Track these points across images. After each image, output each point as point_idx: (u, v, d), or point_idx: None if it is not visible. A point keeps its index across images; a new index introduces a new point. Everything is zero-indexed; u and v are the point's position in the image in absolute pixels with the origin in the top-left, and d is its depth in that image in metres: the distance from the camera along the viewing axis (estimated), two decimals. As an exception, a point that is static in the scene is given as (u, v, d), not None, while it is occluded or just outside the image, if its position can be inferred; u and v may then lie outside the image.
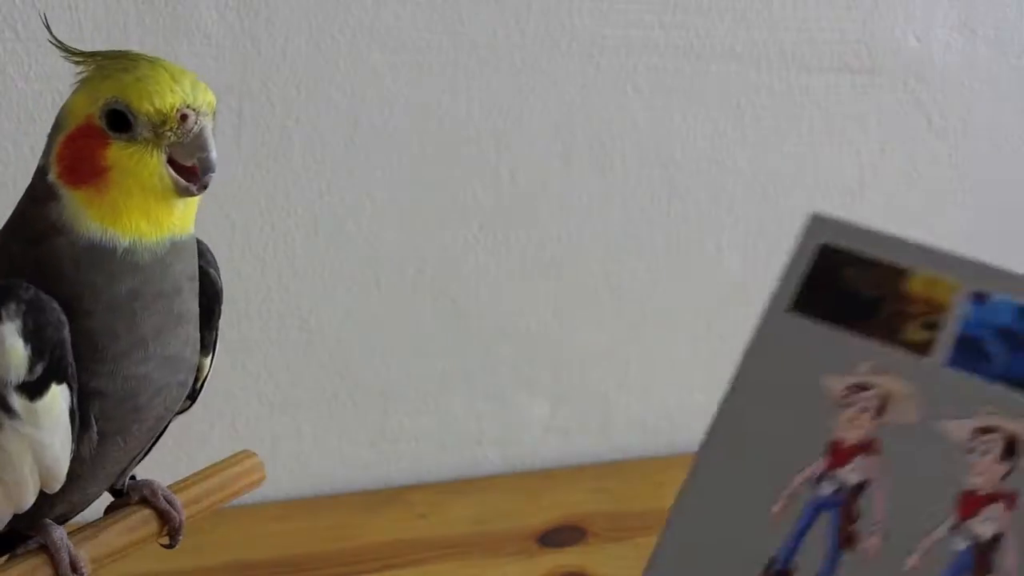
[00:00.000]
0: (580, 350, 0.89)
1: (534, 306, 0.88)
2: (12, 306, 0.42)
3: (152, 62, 0.44)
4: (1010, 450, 0.34)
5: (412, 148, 0.81)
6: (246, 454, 0.54)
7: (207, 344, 0.49)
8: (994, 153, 0.98)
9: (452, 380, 0.87)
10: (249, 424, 0.82)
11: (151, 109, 0.43)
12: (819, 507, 0.34)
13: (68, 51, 0.45)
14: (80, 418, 0.44)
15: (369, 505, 0.83)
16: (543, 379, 0.89)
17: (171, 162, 0.43)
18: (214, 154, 0.44)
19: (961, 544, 0.33)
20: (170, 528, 0.50)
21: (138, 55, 0.45)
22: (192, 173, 0.44)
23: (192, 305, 0.47)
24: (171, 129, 0.43)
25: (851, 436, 0.35)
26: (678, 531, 0.34)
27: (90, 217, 0.43)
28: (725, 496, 0.34)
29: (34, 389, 0.42)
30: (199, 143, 0.43)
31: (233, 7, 0.75)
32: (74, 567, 0.46)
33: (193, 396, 0.51)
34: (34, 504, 0.45)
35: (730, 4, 0.86)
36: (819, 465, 0.35)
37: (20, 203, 0.45)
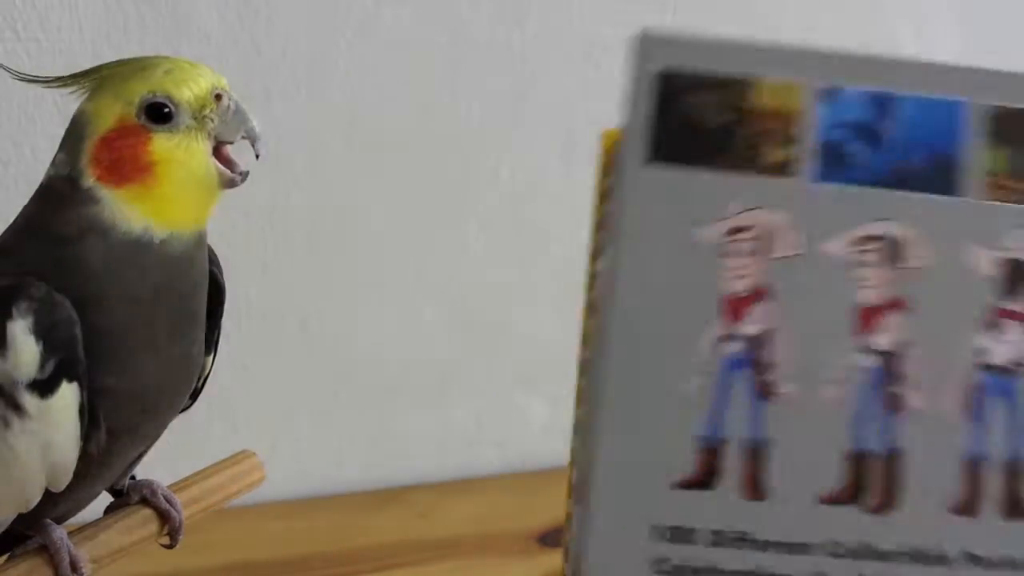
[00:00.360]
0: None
1: (534, 306, 0.88)
2: (23, 304, 0.42)
3: (165, 58, 0.45)
4: (893, 254, 0.33)
5: (412, 148, 0.81)
6: (246, 454, 0.54)
7: (209, 343, 0.49)
8: None
9: (452, 380, 0.87)
10: (249, 424, 0.82)
11: (191, 95, 0.44)
12: (731, 369, 0.33)
13: (71, 78, 0.45)
14: (89, 416, 0.44)
15: (369, 505, 0.83)
16: (543, 379, 0.88)
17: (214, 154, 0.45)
18: (257, 124, 0.46)
19: (868, 360, 0.33)
20: (170, 528, 0.50)
21: (144, 57, 0.45)
22: (231, 163, 0.45)
23: (203, 304, 0.47)
24: (211, 111, 0.44)
25: (741, 286, 0.33)
26: (607, 437, 0.33)
27: (134, 213, 0.43)
28: (639, 390, 0.33)
29: (45, 387, 0.42)
30: (240, 117, 0.45)
31: (233, 7, 0.75)
32: (74, 567, 0.46)
33: (195, 395, 0.51)
34: (36, 504, 0.45)
35: (730, 4, 0.86)
36: (719, 326, 0.33)
37: (36, 210, 0.45)
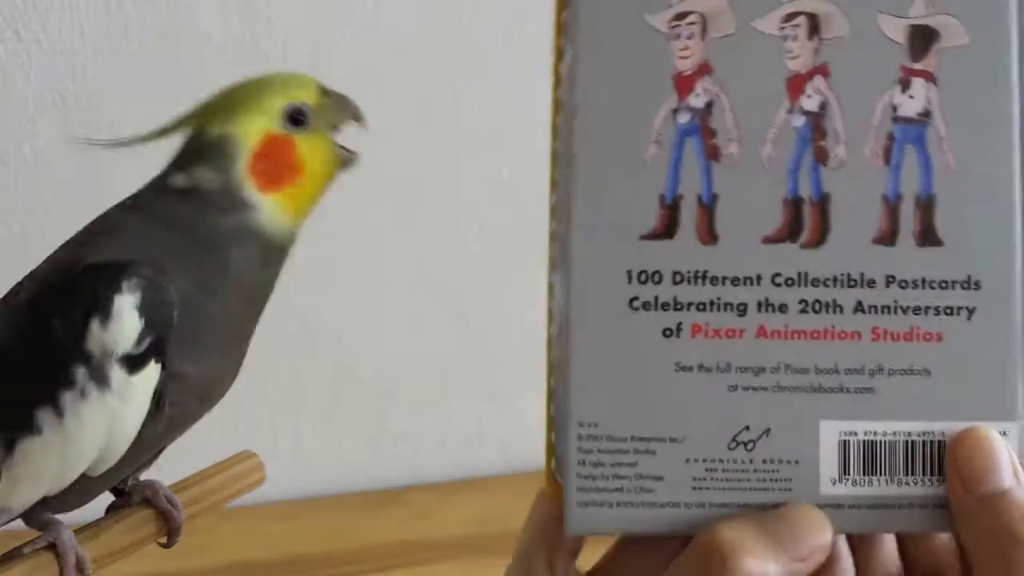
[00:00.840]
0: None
1: (534, 306, 0.88)
2: (133, 280, 0.44)
3: (273, 73, 0.50)
4: (815, 27, 0.38)
5: (412, 148, 0.81)
6: (246, 454, 0.54)
7: None
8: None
9: (452, 380, 0.87)
10: (249, 424, 0.82)
11: (313, 96, 0.49)
12: (683, 136, 0.38)
13: (172, 127, 0.48)
14: (156, 400, 0.45)
15: (369, 505, 0.83)
16: (543, 379, 0.88)
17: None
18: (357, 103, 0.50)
19: (799, 120, 0.38)
20: (170, 529, 0.50)
21: (250, 79, 0.50)
22: (344, 147, 0.49)
23: (264, 307, 0.49)
24: (326, 105, 0.49)
25: (687, 65, 0.38)
26: (582, 201, 0.40)
27: (286, 214, 0.47)
28: (606, 161, 0.39)
29: (136, 363, 0.44)
30: (342, 101, 0.50)
31: (233, 8, 0.75)
32: (79, 567, 0.46)
33: None
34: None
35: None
36: (671, 100, 0.38)
37: (177, 210, 0.46)
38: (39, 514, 0.47)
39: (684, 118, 0.38)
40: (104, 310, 0.43)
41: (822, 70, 0.38)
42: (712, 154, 0.38)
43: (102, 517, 0.50)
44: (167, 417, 0.46)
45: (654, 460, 0.38)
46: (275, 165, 0.47)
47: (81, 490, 0.47)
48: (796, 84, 0.38)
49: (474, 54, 0.81)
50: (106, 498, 0.51)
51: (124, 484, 0.51)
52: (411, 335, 0.85)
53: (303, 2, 0.76)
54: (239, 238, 0.46)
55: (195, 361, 0.46)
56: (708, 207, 0.38)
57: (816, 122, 0.38)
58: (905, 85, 0.38)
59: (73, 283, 0.44)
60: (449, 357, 0.86)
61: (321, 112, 0.49)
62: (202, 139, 0.47)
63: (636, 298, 0.38)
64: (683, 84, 0.38)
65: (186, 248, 0.46)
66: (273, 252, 0.47)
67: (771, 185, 0.38)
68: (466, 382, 0.87)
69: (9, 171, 0.72)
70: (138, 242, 0.46)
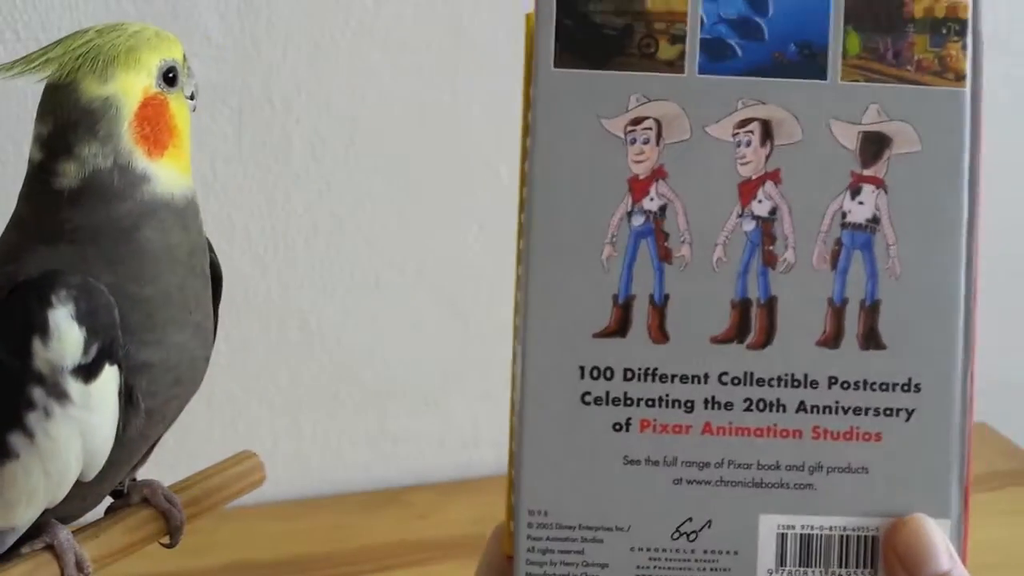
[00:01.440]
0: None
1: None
2: (62, 292, 0.42)
3: (140, 24, 0.46)
4: (767, 133, 0.39)
5: (412, 148, 0.81)
6: (246, 454, 0.54)
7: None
8: (994, 153, 0.98)
9: (452, 380, 0.87)
10: (249, 424, 0.82)
11: (181, 56, 0.47)
12: (637, 238, 0.39)
13: (40, 55, 0.45)
14: (127, 396, 0.44)
15: (369, 505, 0.83)
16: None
17: None
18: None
19: (749, 224, 0.39)
20: (171, 528, 0.50)
21: (111, 26, 0.46)
22: None
23: (208, 269, 0.48)
24: (185, 67, 0.47)
25: (642, 169, 0.39)
26: (537, 299, 0.39)
27: (174, 178, 0.45)
28: (562, 260, 0.39)
29: (88, 371, 0.43)
30: (191, 73, 0.48)
31: (233, 7, 0.75)
32: (79, 567, 0.46)
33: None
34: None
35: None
36: (626, 203, 0.39)
37: (74, 214, 0.44)
38: (40, 520, 0.47)
39: (638, 220, 0.39)
40: (42, 328, 0.42)
41: (774, 176, 0.39)
42: (665, 256, 0.39)
43: (101, 517, 0.50)
44: (146, 410, 0.45)
45: (601, 548, 0.39)
46: (155, 127, 0.45)
47: (82, 496, 0.47)
48: (748, 189, 0.39)
49: (474, 54, 0.81)
50: (106, 499, 0.51)
51: (122, 485, 0.51)
52: (411, 335, 0.85)
53: (303, 2, 0.76)
54: (146, 216, 0.44)
55: (155, 347, 0.45)
56: (660, 307, 0.39)
57: (766, 227, 0.39)
58: (855, 192, 0.39)
59: (5, 307, 0.43)
60: (449, 357, 0.86)
61: (183, 72, 0.47)
62: (78, 105, 0.44)
63: (588, 393, 0.39)
64: (638, 188, 0.39)
65: (98, 249, 0.44)
66: (184, 214, 0.46)
67: (721, 287, 0.39)
68: (466, 382, 0.87)
69: (9, 171, 0.72)
70: (49, 257, 0.44)
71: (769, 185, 0.39)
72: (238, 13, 0.75)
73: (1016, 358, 1.01)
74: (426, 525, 0.80)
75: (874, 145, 0.39)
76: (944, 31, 0.39)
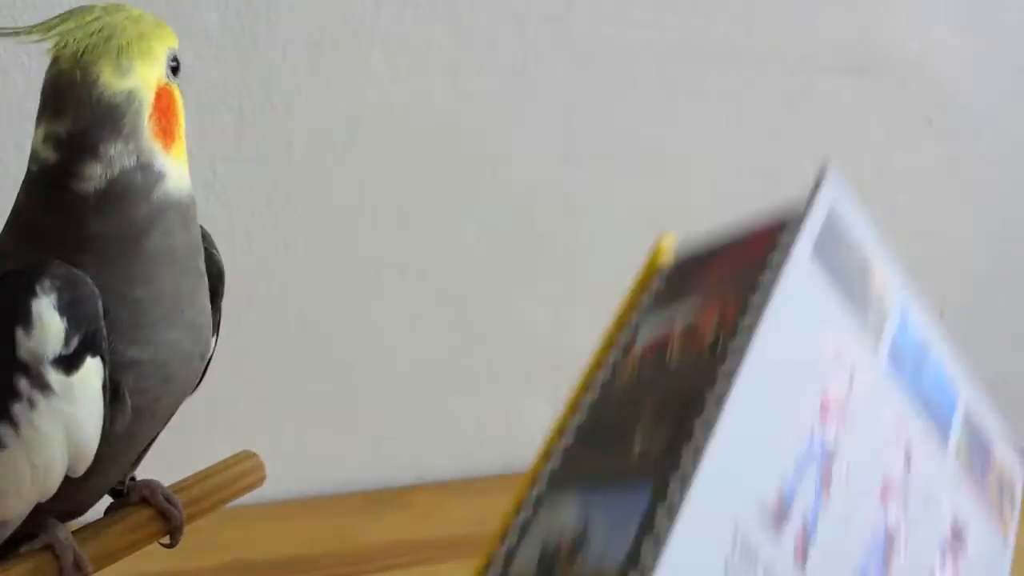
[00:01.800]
0: (580, 350, 0.89)
1: (534, 306, 0.88)
2: (46, 282, 0.42)
3: (138, 11, 0.45)
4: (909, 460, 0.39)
5: (412, 148, 0.81)
6: (246, 454, 0.54)
7: (214, 324, 0.49)
8: (994, 153, 0.98)
9: (452, 380, 0.87)
10: (249, 424, 0.82)
11: (176, 43, 0.46)
12: (808, 459, 0.36)
13: (58, 21, 0.44)
14: (113, 392, 0.44)
15: (369, 505, 0.83)
16: (543, 379, 0.89)
17: None
18: None
19: (882, 531, 0.37)
20: (171, 528, 0.50)
21: (113, 7, 0.44)
22: None
23: (204, 267, 0.47)
24: (177, 55, 0.46)
25: (833, 396, 0.37)
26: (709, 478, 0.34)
27: (181, 168, 0.45)
28: (749, 438, 0.35)
29: (69, 363, 0.43)
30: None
31: (233, 7, 0.75)
32: (78, 566, 0.46)
33: (199, 377, 0.51)
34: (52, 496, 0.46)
35: (730, 5, 0.87)
36: (814, 422, 0.36)
37: (96, 221, 0.43)
38: (38, 518, 0.47)
39: (816, 443, 0.36)
40: (24, 318, 0.42)
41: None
42: (825, 487, 0.36)
43: (101, 517, 0.50)
44: (133, 407, 0.45)
45: None
46: (168, 119, 0.44)
47: (75, 493, 0.47)
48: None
49: (474, 54, 0.81)
50: (106, 499, 0.51)
51: (122, 485, 0.51)
52: (411, 335, 0.85)
53: (303, 2, 0.76)
54: (159, 217, 0.44)
55: (144, 344, 0.44)
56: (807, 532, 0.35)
57: (889, 539, 0.37)
58: None
59: None
60: (449, 357, 0.86)
61: (175, 59, 0.46)
62: (102, 101, 0.42)
63: None
64: (825, 410, 0.37)
65: (109, 251, 0.43)
66: (187, 212, 0.45)
67: None
68: (466, 382, 0.87)
69: (9, 171, 0.72)
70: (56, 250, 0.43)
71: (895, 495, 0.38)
72: (238, 13, 0.75)
73: (1016, 358, 1.01)
74: (426, 525, 0.80)
75: None
76: None
